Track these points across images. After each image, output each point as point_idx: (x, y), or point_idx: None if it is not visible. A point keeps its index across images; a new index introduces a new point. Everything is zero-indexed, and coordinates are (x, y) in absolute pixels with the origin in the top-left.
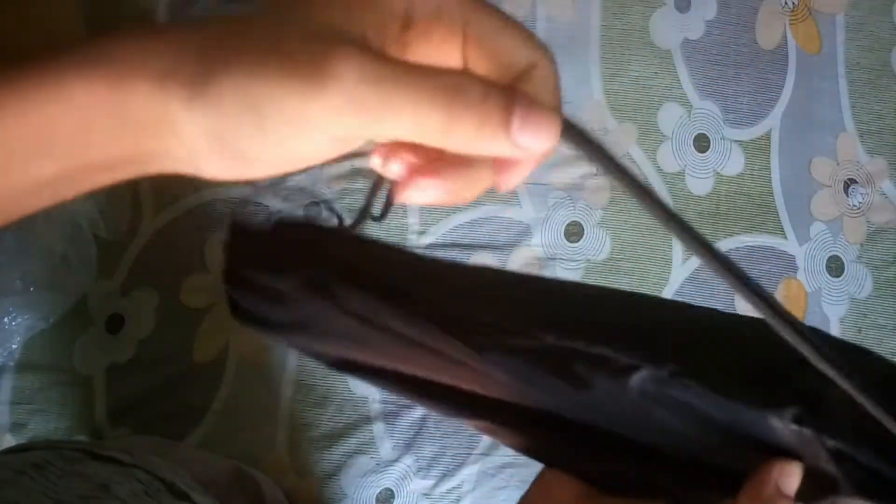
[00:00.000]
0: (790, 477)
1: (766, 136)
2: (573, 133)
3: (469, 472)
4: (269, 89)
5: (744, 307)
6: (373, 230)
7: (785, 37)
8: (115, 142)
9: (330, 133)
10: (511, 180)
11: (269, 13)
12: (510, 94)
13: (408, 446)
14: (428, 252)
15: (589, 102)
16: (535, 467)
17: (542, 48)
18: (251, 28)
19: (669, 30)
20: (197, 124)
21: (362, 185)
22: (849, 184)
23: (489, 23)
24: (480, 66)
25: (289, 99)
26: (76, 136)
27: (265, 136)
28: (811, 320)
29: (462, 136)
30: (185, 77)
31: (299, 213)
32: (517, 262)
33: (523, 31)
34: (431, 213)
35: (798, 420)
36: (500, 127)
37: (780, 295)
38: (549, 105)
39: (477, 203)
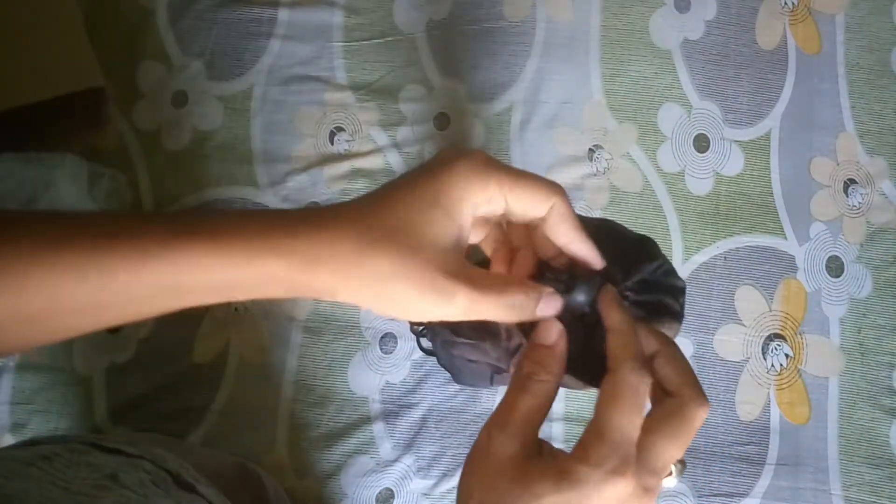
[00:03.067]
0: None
1: (766, 137)
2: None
3: None
4: (415, 304)
5: (742, 307)
6: None
7: (785, 37)
8: (279, 294)
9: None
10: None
11: (390, 240)
12: (539, 297)
13: (408, 446)
14: None
15: (589, 102)
16: None
17: (555, 190)
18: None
19: (669, 30)
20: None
21: (362, 184)
22: (848, 184)
23: (520, 198)
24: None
25: (423, 309)
26: (257, 290)
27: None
28: (811, 320)
29: (510, 320)
30: (354, 287)
31: None
32: None
33: (541, 186)
34: None
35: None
36: (531, 318)
37: (779, 295)
38: (571, 224)
39: None
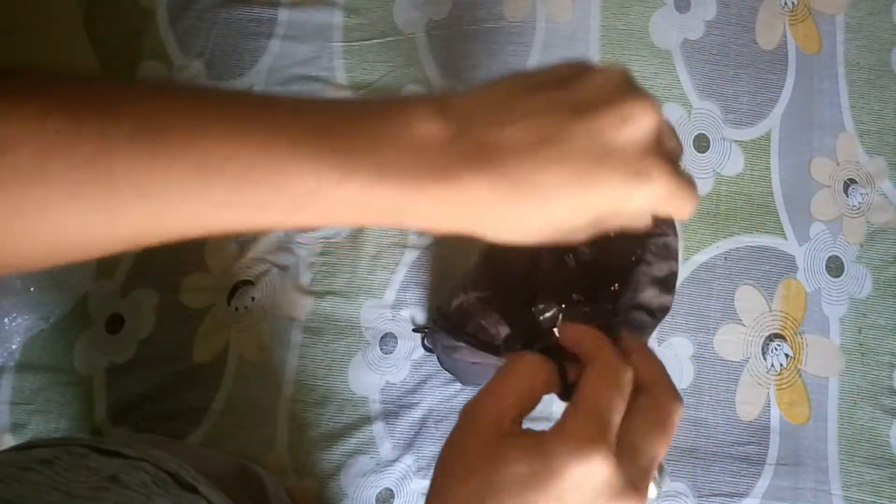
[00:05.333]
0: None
1: (766, 136)
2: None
3: None
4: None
5: (742, 307)
6: (373, 230)
7: (785, 37)
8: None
9: None
10: None
11: None
12: None
13: (408, 446)
14: (428, 252)
15: None
16: None
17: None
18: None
19: (669, 30)
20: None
21: None
22: (848, 184)
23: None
24: None
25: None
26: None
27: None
28: (811, 320)
29: None
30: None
31: None
32: None
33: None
34: None
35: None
36: None
37: (779, 295)
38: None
39: None
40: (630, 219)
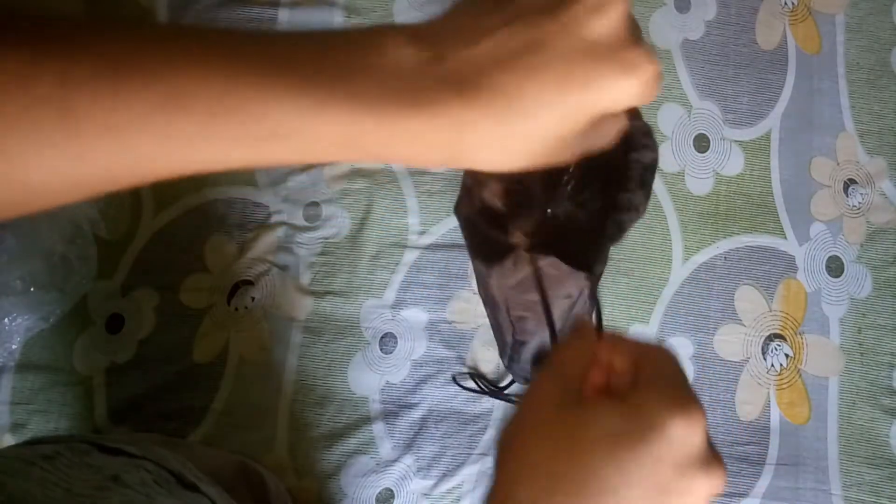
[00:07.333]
0: None
1: (766, 136)
2: None
3: (469, 472)
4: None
5: (742, 307)
6: (373, 230)
7: (785, 37)
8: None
9: None
10: None
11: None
12: None
13: (408, 446)
14: (428, 252)
15: None
16: None
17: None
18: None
19: (669, 30)
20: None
21: (362, 184)
22: (848, 184)
23: None
24: None
25: None
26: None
27: None
28: (811, 320)
29: None
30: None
31: (299, 213)
32: None
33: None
34: (431, 214)
35: None
36: None
37: (779, 295)
38: None
39: None
40: (618, 114)
